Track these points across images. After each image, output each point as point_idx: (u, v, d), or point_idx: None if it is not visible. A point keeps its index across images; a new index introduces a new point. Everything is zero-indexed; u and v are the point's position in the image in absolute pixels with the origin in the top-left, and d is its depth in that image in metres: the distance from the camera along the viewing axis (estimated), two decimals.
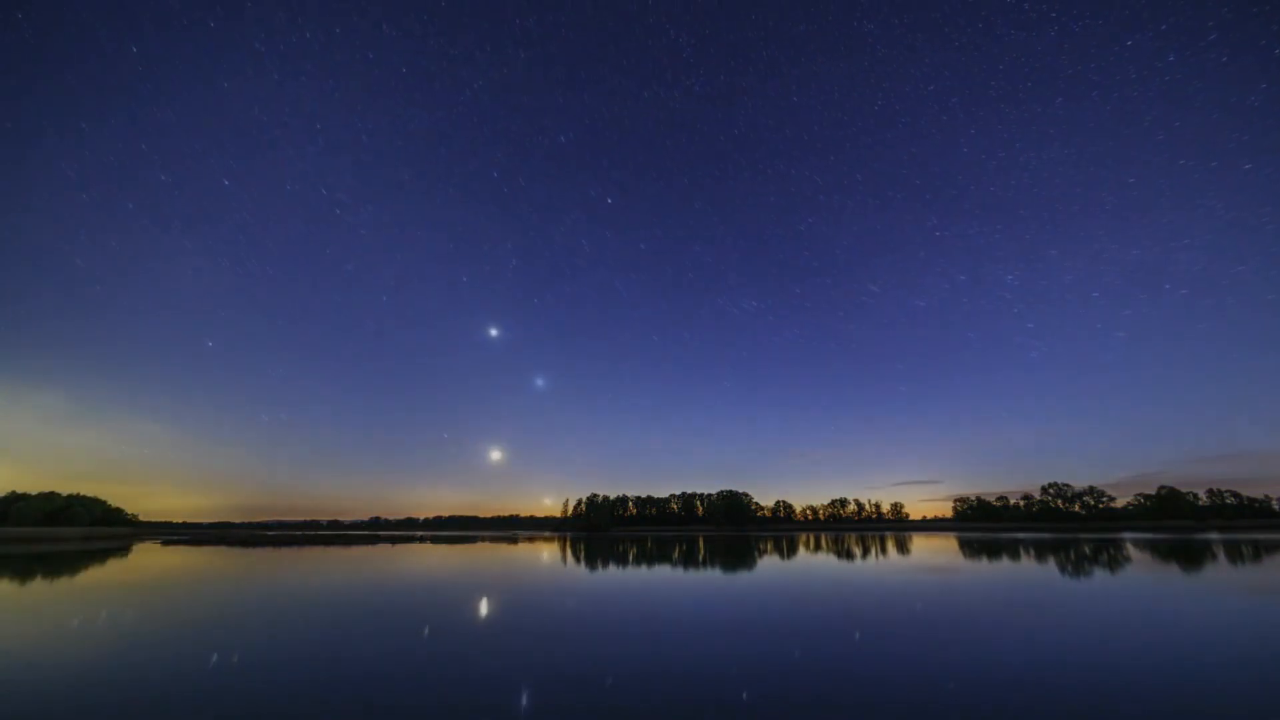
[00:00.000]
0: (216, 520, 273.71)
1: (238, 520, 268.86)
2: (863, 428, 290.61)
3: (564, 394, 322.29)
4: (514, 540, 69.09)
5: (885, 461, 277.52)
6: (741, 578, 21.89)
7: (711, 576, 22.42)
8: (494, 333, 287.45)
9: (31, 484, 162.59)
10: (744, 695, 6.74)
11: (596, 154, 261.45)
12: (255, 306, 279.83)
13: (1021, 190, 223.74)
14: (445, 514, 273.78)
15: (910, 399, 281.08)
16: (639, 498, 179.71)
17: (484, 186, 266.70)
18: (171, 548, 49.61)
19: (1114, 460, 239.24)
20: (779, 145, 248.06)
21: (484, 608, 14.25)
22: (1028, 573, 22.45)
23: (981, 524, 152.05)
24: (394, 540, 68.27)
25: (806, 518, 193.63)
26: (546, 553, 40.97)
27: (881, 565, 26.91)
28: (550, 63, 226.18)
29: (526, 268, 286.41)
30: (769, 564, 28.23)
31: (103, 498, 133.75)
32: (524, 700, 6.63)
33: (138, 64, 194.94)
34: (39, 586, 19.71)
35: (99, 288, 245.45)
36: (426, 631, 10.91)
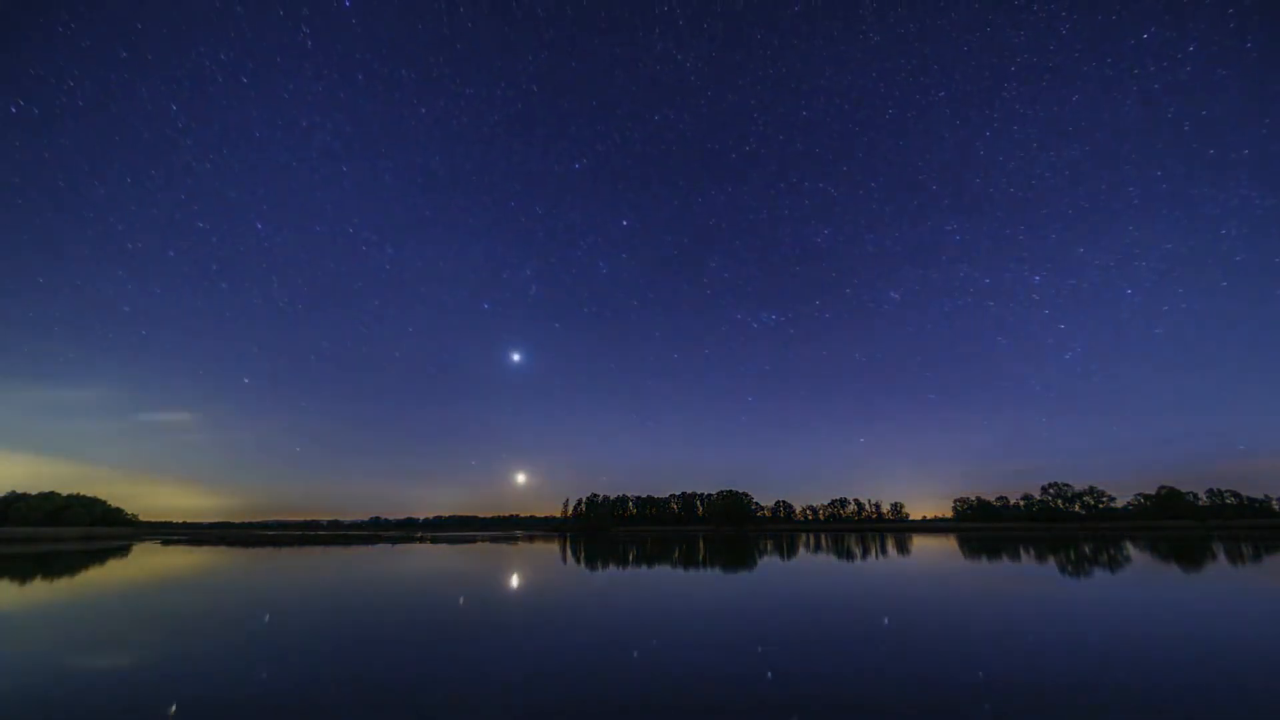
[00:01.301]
0: (216, 520, 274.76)
1: (238, 520, 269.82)
2: (885, 433, 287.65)
3: (567, 397, 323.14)
4: (514, 540, 69.06)
5: (892, 464, 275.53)
6: (744, 578, 21.89)
7: (713, 576, 22.42)
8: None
9: (32, 484, 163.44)
10: (758, 688, 6.74)
11: (611, 179, 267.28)
12: (287, 343, 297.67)
13: (1043, 190, 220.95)
14: (445, 514, 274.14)
15: (939, 407, 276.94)
16: (639, 498, 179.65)
17: (502, 217, 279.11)
18: (171, 547, 49.58)
19: (1113, 460, 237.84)
20: (791, 159, 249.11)
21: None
22: (1035, 571, 22.46)
23: (982, 524, 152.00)
24: (394, 540, 68.22)
25: (806, 518, 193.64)
26: (547, 553, 40.96)
27: (885, 565, 26.92)
28: (562, 95, 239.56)
29: (546, 293, 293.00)
30: (770, 564, 28.24)
31: (102, 498, 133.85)
32: (528, 702, 6.62)
33: (178, 120, 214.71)
34: (38, 586, 19.70)
35: (144, 332, 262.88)
36: (426, 633, 10.91)
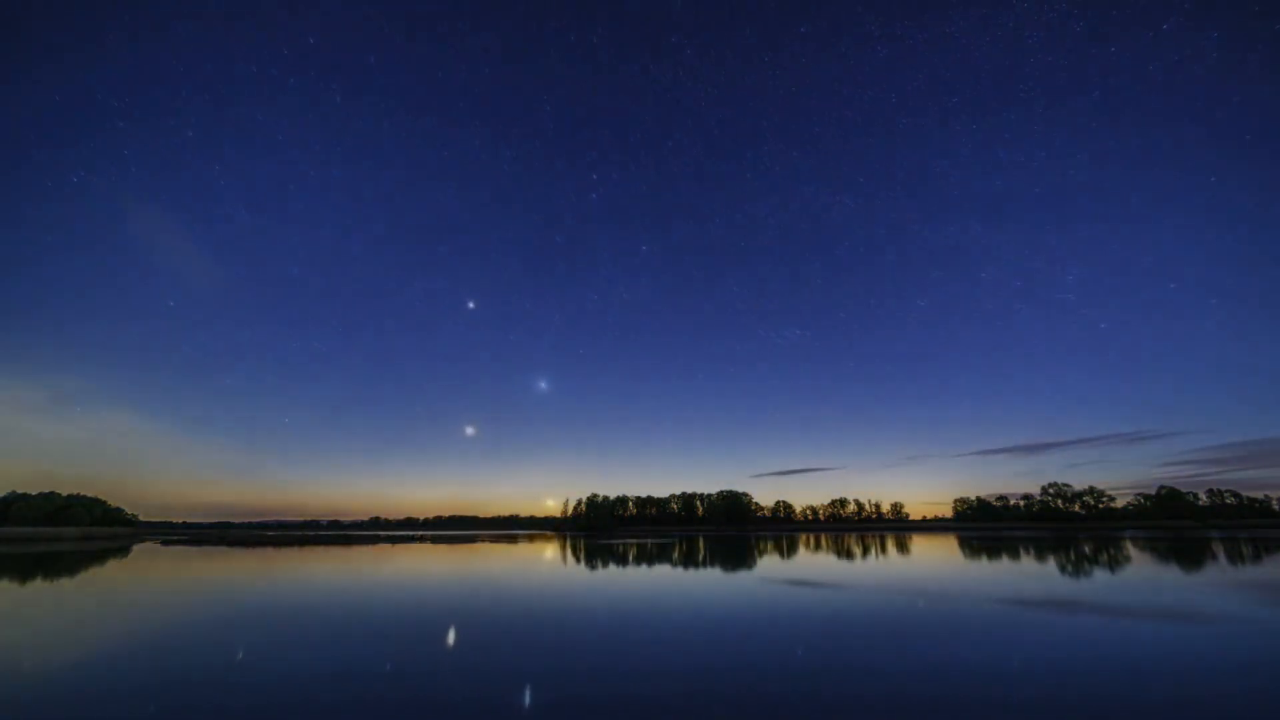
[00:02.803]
0: (216, 520, 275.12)
1: (238, 520, 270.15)
2: (898, 438, 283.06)
3: (569, 397, 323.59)
4: (514, 540, 69.03)
5: (895, 465, 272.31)
6: (746, 579, 21.83)
7: (714, 577, 22.36)
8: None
9: (32, 484, 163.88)
10: (767, 690, 6.70)
11: (627, 208, 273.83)
12: (324, 382, 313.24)
13: (1070, 188, 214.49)
14: (445, 514, 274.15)
15: (973, 412, 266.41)
16: (639, 498, 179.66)
17: (524, 251, 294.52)
18: (171, 548, 49.50)
19: (1114, 458, 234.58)
20: (806, 175, 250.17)
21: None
22: (1039, 572, 22.40)
23: (981, 524, 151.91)
24: (394, 540, 68.19)
25: (806, 518, 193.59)
26: (547, 553, 40.94)
27: (889, 566, 26.87)
28: (576, 131, 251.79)
29: (570, 321, 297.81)
30: (772, 564, 28.18)
31: (102, 497, 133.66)
32: (531, 705, 6.58)
33: (220, 178, 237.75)
34: (36, 587, 19.65)
35: (193, 379, 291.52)
36: (424, 636, 10.86)
